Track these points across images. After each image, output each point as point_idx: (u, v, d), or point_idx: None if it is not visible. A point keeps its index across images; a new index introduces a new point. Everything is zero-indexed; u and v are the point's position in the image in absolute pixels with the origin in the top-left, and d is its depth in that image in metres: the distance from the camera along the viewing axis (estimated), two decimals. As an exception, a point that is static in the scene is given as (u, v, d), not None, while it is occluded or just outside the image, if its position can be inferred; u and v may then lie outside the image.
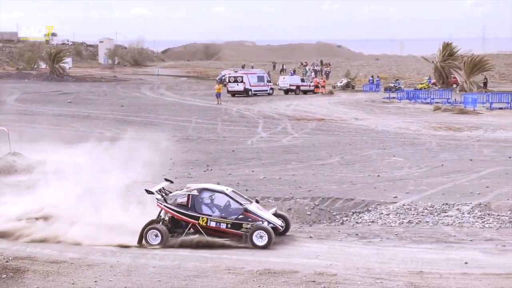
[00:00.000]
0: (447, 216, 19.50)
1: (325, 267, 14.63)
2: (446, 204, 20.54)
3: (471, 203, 20.47)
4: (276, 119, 45.15)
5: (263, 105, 54.65)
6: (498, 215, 19.41)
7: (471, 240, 17.26)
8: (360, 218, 19.47)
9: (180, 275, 14.40)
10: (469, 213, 19.61)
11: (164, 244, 16.50)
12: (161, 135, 32.76)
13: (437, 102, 55.92)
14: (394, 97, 61.59)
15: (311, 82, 70.96)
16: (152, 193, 17.34)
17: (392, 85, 69.85)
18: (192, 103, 56.70)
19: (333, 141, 34.83)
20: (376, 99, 61.26)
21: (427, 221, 19.09)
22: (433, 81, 72.41)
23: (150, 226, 16.78)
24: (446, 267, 14.89)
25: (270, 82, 68.38)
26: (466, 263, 15.12)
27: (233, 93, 64.09)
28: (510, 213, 19.37)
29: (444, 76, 69.69)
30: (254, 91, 64.89)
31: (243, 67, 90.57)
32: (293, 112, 49.85)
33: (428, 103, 56.99)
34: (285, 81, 69.60)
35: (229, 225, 16.84)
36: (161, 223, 16.96)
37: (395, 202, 20.86)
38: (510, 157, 29.14)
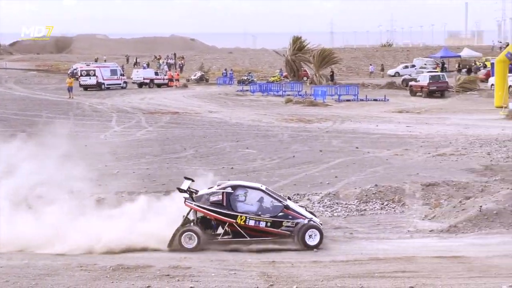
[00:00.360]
0: (298, 206, 20.00)
1: (179, 261, 14.66)
2: (298, 194, 21.10)
3: (321, 192, 21.13)
4: (130, 113, 44.66)
5: (116, 99, 53.92)
6: (346, 203, 20.18)
7: (321, 229, 17.82)
8: (214, 210, 19.59)
9: (29, 274, 13.94)
10: (319, 202, 20.25)
11: (199, 247, 15.58)
12: (9, 130, 31.62)
13: (289, 95, 57.24)
14: (247, 90, 62.48)
15: (165, 75, 70.76)
16: (186, 191, 16.18)
17: (245, 78, 70.87)
18: (42, 97, 55.06)
19: (187, 134, 34.90)
20: (229, 92, 61.88)
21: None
22: (284, 74, 74.09)
23: (184, 229, 15.71)
24: (297, 256, 15.31)
25: (123, 75, 67.63)
26: (316, 251, 15.63)
27: (86, 87, 62.88)
28: (357, 201, 20.17)
29: (295, 69, 71.42)
30: (107, 84, 63.97)
31: (96, 60, 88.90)
32: (147, 105, 49.50)
33: (280, 95, 58.19)
34: (139, 74, 69.07)
35: (268, 224, 15.86)
36: (192, 224, 15.98)
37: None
38: (357, 148, 30.27)
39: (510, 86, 52.32)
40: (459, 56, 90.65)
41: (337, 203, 20.26)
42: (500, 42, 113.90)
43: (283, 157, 28.03)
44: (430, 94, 56.26)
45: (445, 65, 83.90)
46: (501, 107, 44.61)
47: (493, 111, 44.80)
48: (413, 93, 58.39)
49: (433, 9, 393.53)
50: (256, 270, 14.11)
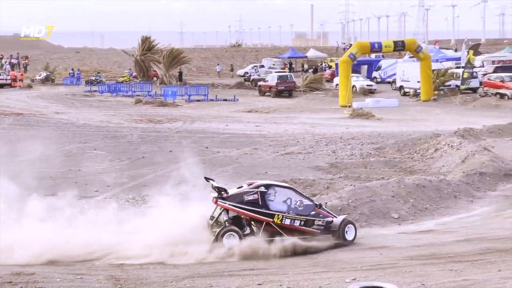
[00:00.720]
0: (147, 207, 19.77)
1: (23, 267, 14.06)
2: (147, 195, 20.84)
3: (170, 193, 20.94)
4: (-31, 115, 42.68)
5: (-46, 100, 51.45)
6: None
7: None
8: (62, 214, 19.03)
9: None
10: (169, 203, 20.02)
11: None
12: None
13: (138, 95, 56.84)
14: (95, 91, 61.48)
15: (7, 75, 68.20)
16: (225, 190, 15.64)
17: (94, 78, 69.66)
18: None
19: (32, 136, 33.67)
20: (77, 92, 60.62)
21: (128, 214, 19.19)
22: (134, 74, 73.40)
23: (226, 228, 15.22)
24: (146, 259, 15.07)
25: (-38, 75, 64.67)
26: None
27: None
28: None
29: (145, 69, 71.05)
30: None
31: None
32: (-12, 107, 47.52)
33: (129, 96, 57.66)
34: (-21, 74, 66.33)
35: (302, 222, 15.73)
36: (226, 223, 15.48)
37: (97, 196, 20.77)
38: (207, 147, 30.38)
39: (353, 86, 54.42)
40: (306, 57, 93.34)
41: (187, 205, 20.15)
42: (344, 43, 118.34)
43: (133, 158, 27.69)
44: (279, 93, 57.53)
45: (293, 65, 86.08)
46: (346, 107, 46.26)
47: (338, 110, 46.39)
48: (262, 93, 59.50)
49: (280, 10, 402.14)
50: (103, 273, 13.79)
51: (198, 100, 54.55)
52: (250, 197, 15.67)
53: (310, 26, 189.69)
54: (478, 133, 30.72)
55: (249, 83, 68.95)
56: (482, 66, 65.26)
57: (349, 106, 46.09)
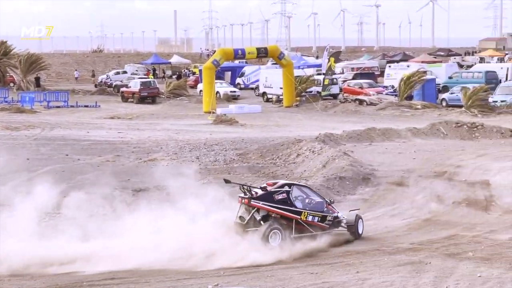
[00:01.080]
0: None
1: None
2: (2, 205, 19.96)
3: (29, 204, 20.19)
4: None
5: None
6: (55, 213, 19.50)
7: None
8: None
9: None
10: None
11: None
12: None
13: (-6, 101, 54.71)
14: None
15: None
16: (264, 189, 16.21)
17: None
18: None
19: None
20: None
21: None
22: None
23: (271, 227, 15.70)
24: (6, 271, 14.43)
25: None
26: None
27: None
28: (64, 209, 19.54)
29: (0, 75, 68.66)
30: None
31: None
32: None
33: (-16, 102, 55.40)
34: None
35: (319, 218, 16.56)
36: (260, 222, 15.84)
37: None
38: (67, 155, 29.52)
39: (217, 92, 54.64)
40: (169, 63, 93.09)
41: (44, 212, 19.50)
42: (208, 50, 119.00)
43: (-14, 168, 26.44)
44: (142, 100, 56.94)
45: (156, 72, 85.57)
46: (210, 113, 46.35)
47: (202, 116, 46.40)
48: (124, 99, 58.74)
49: (143, 16, 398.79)
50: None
51: (58, 107, 53.09)
52: (280, 196, 16.25)
53: (173, 32, 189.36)
54: (338, 138, 31.47)
55: (112, 89, 67.94)
56: (342, 73, 67.41)
57: (213, 112, 46.20)
